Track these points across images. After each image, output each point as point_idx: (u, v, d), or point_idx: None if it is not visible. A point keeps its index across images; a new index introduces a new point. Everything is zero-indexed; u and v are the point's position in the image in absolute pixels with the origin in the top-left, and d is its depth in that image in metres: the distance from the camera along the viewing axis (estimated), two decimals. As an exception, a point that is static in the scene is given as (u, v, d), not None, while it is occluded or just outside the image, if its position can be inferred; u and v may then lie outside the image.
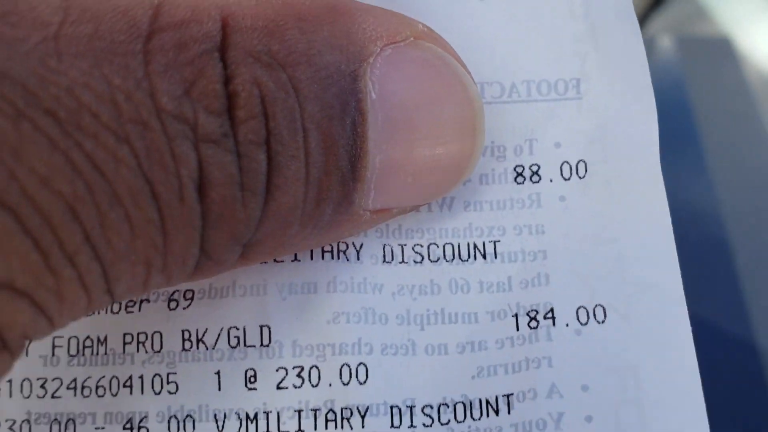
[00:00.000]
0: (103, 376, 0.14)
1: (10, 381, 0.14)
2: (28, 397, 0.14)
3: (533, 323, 0.14)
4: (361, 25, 0.12)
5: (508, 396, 0.14)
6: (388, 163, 0.13)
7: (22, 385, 0.14)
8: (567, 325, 0.14)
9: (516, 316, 0.14)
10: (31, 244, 0.09)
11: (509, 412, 0.14)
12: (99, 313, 0.15)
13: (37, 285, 0.10)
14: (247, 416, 0.14)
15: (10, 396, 0.14)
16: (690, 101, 0.38)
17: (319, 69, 0.12)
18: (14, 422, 0.14)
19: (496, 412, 0.14)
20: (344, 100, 0.12)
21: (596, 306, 0.14)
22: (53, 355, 0.15)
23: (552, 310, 0.14)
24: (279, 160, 0.11)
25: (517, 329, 0.14)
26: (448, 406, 0.14)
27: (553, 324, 0.14)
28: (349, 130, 0.12)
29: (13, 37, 0.10)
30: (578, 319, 0.14)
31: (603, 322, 0.14)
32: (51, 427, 0.14)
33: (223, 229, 0.11)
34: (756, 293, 0.32)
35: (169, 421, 0.14)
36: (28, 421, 0.14)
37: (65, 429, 0.14)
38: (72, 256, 0.10)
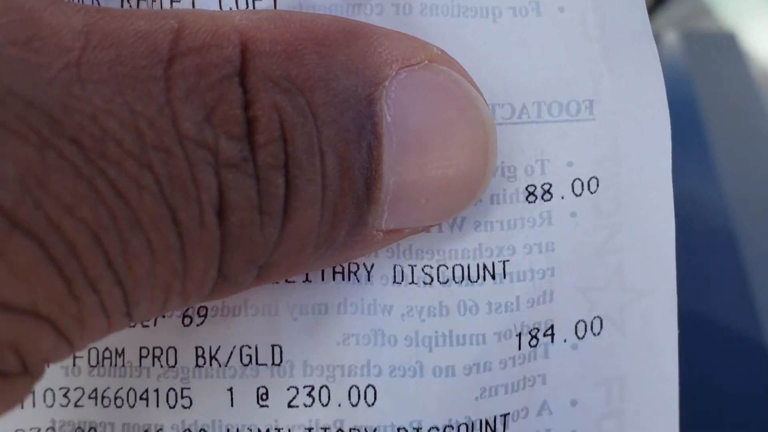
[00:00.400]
0: (121, 388, 0.15)
1: (33, 391, 0.15)
2: (51, 406, 0.15)
3: (533, 341, 0.14)
4: (376, 48, 0.12)
5: (505, 416, 0.14)
6: (401, 185, 0.13)
7: (45, 395, 0.15)
8: (565, 340, 0.14)
9: (519, 335, 0.14)
10: (56, 271, 0.10)
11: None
12: None
13: (60, 311, 0.10)
14: None
15: (34, 405, 0.15)
16: (695, 96, 0.38)
17: (336, 93, 0.12)
18: (39, 430, 0.15)
19: None
20: (360, 123, 0.12)
21: (594, 318, 0.14)
22: (74, 365, 0.15)
23: (552, 327, 0.14)
24: (297, 183, 0.12)
25: (519, 348, 0.14)
26: (453, 428, 0.14)
27: (552, 341, 0.14)
28: (365, 154, 0.12)
29: (36, 63, 0.10)
30: (576, 333, 0.14)
31: (599, 334, 0.14)
32: None
33: (240, 252, 0.11)
34: (763, 287, 0.32)
35: None
36: (53, 429, 0.15)
37: None
38: (94, 282, 0.10)
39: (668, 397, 0.14)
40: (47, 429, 0.15)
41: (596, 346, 0.14)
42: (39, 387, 0.15)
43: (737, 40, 0.42)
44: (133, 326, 0.15)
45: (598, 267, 0.14)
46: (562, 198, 0.14)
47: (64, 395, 0.15)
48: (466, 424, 0.14)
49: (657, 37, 0.42)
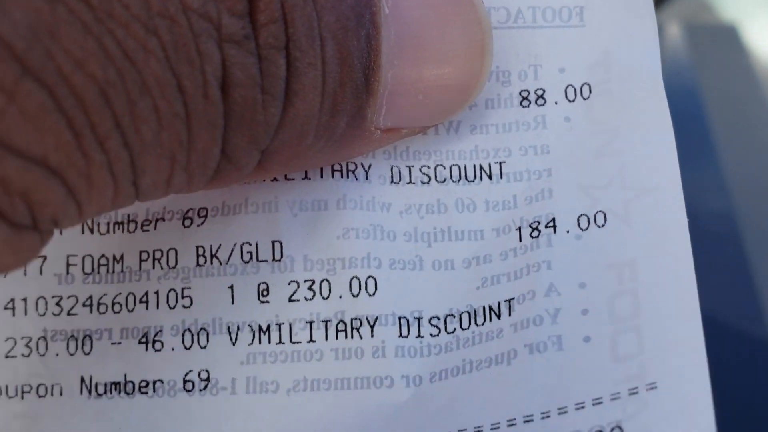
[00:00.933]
0: (119, 293, 0.15)
1: (24, 299, 0.15)
2: (43, 315, 0.15)
3: (535, 233, 0.15)
4: None
5: (509, 300, 0.14)
6: (399, 80, 0.13)
7: (37, 303, 0.15)
8: (568, 231, 0.15)
9: (519, 229, 0.15)
10: (65, 123, 0.10)
11: (510, 314, 0.14)
12: (114, 232, 0.15)
13: (69, 166, 0.10)
14: (260, 328, 0.14)
15: (26, 314, 0.15)
16: (697, 88, 0.38)
17: None
18: (30, 339, 0.15)
19: (498, 316, 0.14)
20: (359, 12, 0.12)
21: (597, 212, 0.15)
22: (68, 273, 0.15)
23: (554, 219, 0.15)
24: (297, 66, 0.12)
25: (520, 240, 0.15)
26: (454, 317, 0.14)
27: (554, 231, 0.15)
28: (364, 43, 0.13)
29: None
30: (579, 225, 0.15)
31: (603, 225, 0.14)
32: (68, 344, 0.15)
33: (243, 132, 0.12)
34: (765, 276, 0.32)
35: (183, 334, 0.14)
36: (45, 338, 0.15)
37: (82, 345, 0.15)
38: (103, 141, 0.10)
39: (684, 281, 0.14)
40: (39, 338, 0.15)
41: (601, 236, 0.14)
42: (31, 295, 0.15)
43: (739, 33, 0.43)
44: (133, 232, 0.15)
45: (597, 168, 0.15)
46: (556, 103, 0.15)
47: (57, 304, 0.15)
48: (468, 312, 0.14)
49: (660, 30, 0.43)
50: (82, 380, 0.15)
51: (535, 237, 0.15)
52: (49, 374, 0.15)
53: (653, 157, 0.15)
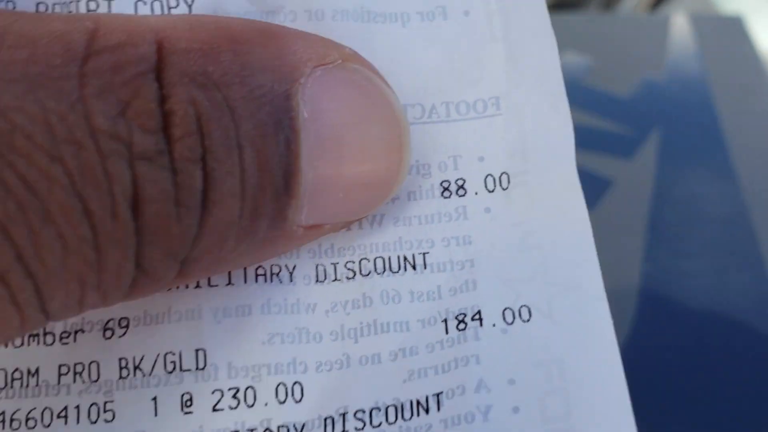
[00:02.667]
0: (34, 408, 0.14)
1: None
2: None
3: (461, 325, 0.15)
4: (291, 47, 0.13)
5: (438, 394, 0.14)
6: (320, 180, 0.13)
7: None
8: (494, 325, 0.15)
9: (445, 321, 0.15)
10: None
11: (439, 409, 0.14)
12: (29, 344, 0.14)
13: None
14: None
15: None
16: (705, 79, 0.40)
17: (252, 89, 0.12)
18: None
19: (426, 411, 0.14)
20: (277, 118, 0.12)
21: (522, 306, 0.15)
22: None
23: (479, 312, 0.15)
24: (215, 176, 0.12)
25: (447, 332, 0.15)
26: (380, 410, 0.14)
27: (480, 325, 0.15)
28: (283, 148, 0.12)
29: None
30: (504, 319, 0.15)
31: (528, 321, 0.15)
32: None
33: (158, 245, 0.11)
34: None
35: None
36: None
37: None
38: (3, 275, 0.10)
39: (614, 381, 0.14)
40: None
41: (527, 332, 0.14)
42: None
43: (745, 24, 0.46)
44: (51, 344, 0.14)
45: (520, 262, 0.15)
46: (476, 194, 0.15)
47: None
48: (394, 405, 0.14)
49: (667, 22, 0.45)
50: None
51: (462, 330, 0.15)
52: None
53: (573, 255, 0.15)
